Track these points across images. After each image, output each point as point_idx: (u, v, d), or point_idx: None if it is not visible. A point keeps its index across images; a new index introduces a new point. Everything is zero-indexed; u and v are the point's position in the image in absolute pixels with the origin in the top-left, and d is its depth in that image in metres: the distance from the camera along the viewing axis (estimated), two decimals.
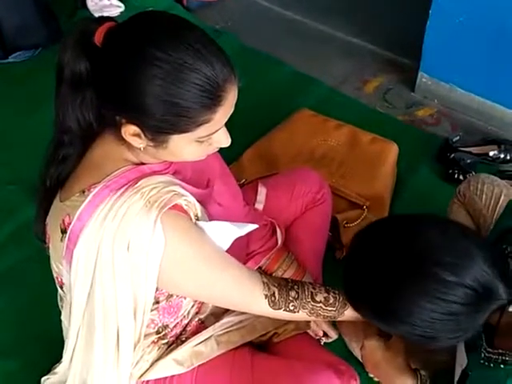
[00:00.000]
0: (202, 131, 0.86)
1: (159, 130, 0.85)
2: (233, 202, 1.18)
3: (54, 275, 1.02)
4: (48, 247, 1.00)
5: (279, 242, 1.31)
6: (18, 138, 1.93)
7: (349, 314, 1.03)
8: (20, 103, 2.07)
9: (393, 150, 1.70)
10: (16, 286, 1.52)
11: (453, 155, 1.79)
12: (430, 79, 2.05)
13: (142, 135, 0.85)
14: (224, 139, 0.91)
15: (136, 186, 0.88)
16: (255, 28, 2.45)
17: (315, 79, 2.15)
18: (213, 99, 0.83)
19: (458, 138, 1.86)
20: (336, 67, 2.24)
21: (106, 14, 2.43)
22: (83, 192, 0.89)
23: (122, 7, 2.52)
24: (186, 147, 0.89)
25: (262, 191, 1.36)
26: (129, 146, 0.89)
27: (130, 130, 0.85)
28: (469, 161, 1.78)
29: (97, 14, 2.46)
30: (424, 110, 2.06)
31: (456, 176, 1.74)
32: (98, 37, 0.85)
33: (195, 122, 0.84)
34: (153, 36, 0.82)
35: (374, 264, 0.93)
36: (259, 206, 1.34)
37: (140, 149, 0.88)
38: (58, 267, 0.97)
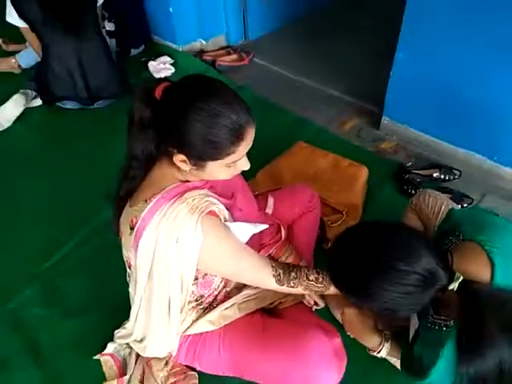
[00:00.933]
0: (229, 159, 0.86)
1: (200, 158, 0.86)
2: (250, 208, 1.17)
3: (125, 259, 1.02)
4: (120, 239, 1.00)
5: (283, 236, 1.29)
6: (100, 161, 1.93)
7: (333, 289, 1.02)
8: (101, 137, 2.08)
9: (364, 172, 1.68)
10: (98, 265, 1.51)
11: (407, 176, 1.76)
12: (390, 121, 2.03)
13: (188, 161, 0.86)
14: (245, 164, 0.92)
15: (183, 197, 0.89)
16: (266, 85, 2.44)
17: (308, 121, 2.14)
18: (237, 137, 0.84)
19: (410, 163, 1.85)
20: (323, 113, 2.21)
21: (162, 74, 2.47)
22: (146, 201, 0.90)
23: (173, 69, 2.50)
24: (219, 170, 0.89)
25: (270, 200, 1.35)
26: (178, 168, 0.90)
27: (179, 158, 0.86)
28: (418, 180, 1.77)
29: (155, 74, 2.47)
30: (386, 143, 2.02)
31: (409, 191, 1.72)
32: (158, 93, 0.86)
33: (224, 153, 0.85)
34: (195, 92, 0.83)
35: (350, 259, 0.91)
36: (269, 210, 1.33)
37: (186, 171, 0.89)
38: (127, 253, 0.98)
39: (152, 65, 2.50)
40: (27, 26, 2.01)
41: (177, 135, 0.84)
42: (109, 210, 1.68)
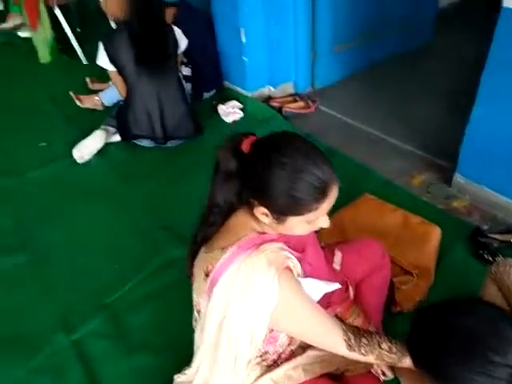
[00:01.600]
0: (311, 216, 0.86)
1: (281, 212, 0.86)
2: (319, 263, 1.14)
3: (194, 303, 1.02)
4: (192, 282, 1.00)
5: (351, 296, 1.24)
6: (170, 198, 2.01)
7: (408, 362, 0.95)
8: (172, 174, 2.16)
9: (437, 232, 1.59)
10: (164, 303, 1.52)
11: (483, 240, 1.65)
12: (463, 179, 1.94)
13: (269, 214, 0.87)
14: (325, 222, 0.91)
15: (260, 249, 0.89)
16: (332, 133, 2.45)
17: (375, 172, 2.10)
18: (321, 194, 0.84)
19: (487, 226, 1.74)
20: (390, 164, 2.17)
21: (231, 118, 2.58)
22: (222, 249, 0.90)
23: (241, 114, 2.60)
24: (298, 225, 0.89)
25: (338, 254, 1.30)
26: (256, 219, 0.90)
27: (260, 210, 0.87)
28: (495, 245, 1.65)
29: (224, 117, 2.58)
30: (458, 201, 1.93)
31: (485, 256, 1.60)
32: (245, 146, 0.89)
33: (307, 209, 0.84)
34: (281, 148, 0.85)
35: (433, 342, 0.85)
36: (336, 266, 1.27)
37: (265, 223, 0.90)
38: (198, 298, 0.98)
39: (222, 108, 2.62)
40: (115, 69, 2.21)
41: (260, 188, 0.85)
42: (175, 248, 1.73)
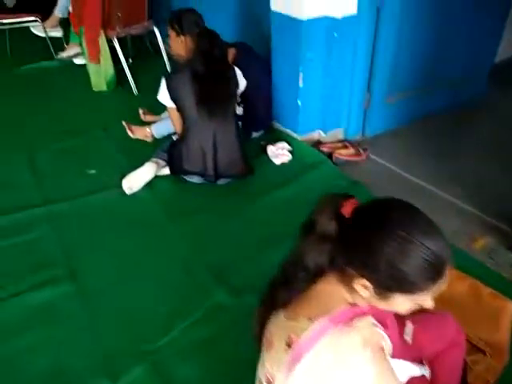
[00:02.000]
0: (420, 296, 0.79)
1: (387, 288, 0.79)
2: (395, 338, 1.05)
3: (263, 371, 0.92)
4: (263, 347, 0.93)
5: (427, 375, 1.11)
6: (216, 237, 1.96)
7: None
8: (218, 213, 2.13)
9: (510, 307, 1.48)
10: (211, 353, 1.45)
11: None
12: None
13: (371, 288, 0.80)
14: (430, 304, 0.83)
15: (352, 324, 0.81)
16: (383, 184, 2.39)
17: None
18: (437, 273, 0.77)
19: None
20: (447, 223, 2.05)
21: (280, 160, 2.56)
22: (310, 319, 0.83)
23: (290, 156, 2.58)
24: (403, 304, 0.82)
25: (409, 326, 1.20)
26: (350, 289, 0.84)
27: (361, 282, 0.80)
28: None
29: (273, 159, 2.56)
30: None
31: None
32: (347, 210, 0.84)
33: (419, 288, 0.78)
34: (393, 218, 0.79)
35: None
36: (407, 338, 1.18)
37: (362, 296, 0.83)
38: (272, 369, 0.89)
39: (271, 149, 2.61)
40: (175, 106, 2.23)
41: (363, 259, 0.79)
42: (224, 292, 1.66)
